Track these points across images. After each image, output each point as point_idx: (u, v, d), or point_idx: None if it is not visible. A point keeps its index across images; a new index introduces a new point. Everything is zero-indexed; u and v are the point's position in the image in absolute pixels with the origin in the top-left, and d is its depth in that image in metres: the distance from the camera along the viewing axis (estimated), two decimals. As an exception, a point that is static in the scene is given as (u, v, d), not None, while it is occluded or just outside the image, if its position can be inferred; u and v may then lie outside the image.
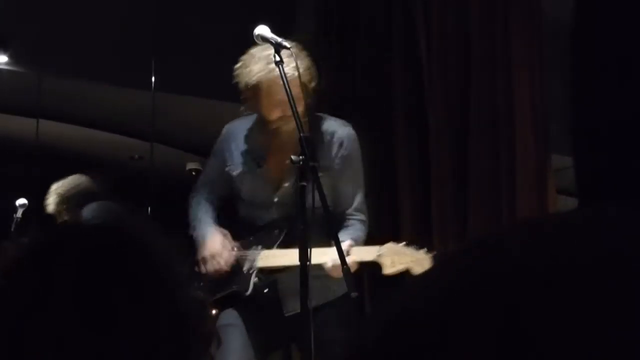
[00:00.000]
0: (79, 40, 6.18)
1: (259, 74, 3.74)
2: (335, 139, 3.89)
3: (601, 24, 0.93)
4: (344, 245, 3.56)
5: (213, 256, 3.89)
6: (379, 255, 3.73)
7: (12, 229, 5.72)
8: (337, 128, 3.92)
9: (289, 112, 3.54)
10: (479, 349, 0.61)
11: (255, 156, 3.98)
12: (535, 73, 5.53)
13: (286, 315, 3.89)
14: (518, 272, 0.64)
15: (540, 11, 5.62)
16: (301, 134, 3.29)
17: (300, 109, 3.56)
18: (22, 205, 5.81)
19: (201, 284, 3.96)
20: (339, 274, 3.52)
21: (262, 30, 3.53)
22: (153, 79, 6.20)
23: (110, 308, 1.16)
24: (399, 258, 3.74)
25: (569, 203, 5.87)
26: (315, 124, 3.83)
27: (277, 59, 3.45)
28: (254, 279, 3.87)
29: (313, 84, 3.80)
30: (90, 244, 1.23)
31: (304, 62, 3.73)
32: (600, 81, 0.91)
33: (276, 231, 3.89)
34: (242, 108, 3.94)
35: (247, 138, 4.00)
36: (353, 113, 5.91)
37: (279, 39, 3.47)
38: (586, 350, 0.60)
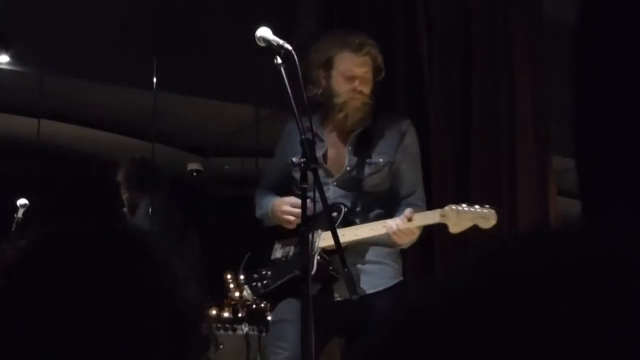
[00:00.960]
0: (81, 40, 6.18)
1: (331, 50, 4.14)
2: (399, 131, 4.21)
3: (603, 26, 0.93)
4: (406, 212, 3.88)
5: (281, 211, 4.06)
6: (442, 217, 3.86)
7: (13, 229, 5.72)
8: (400, 122, 4.26)
9: (361, 96, 4.06)
10: (484, 350, 0.62)
11: (314, 140, 4.04)
12: (536, 74, 5.53)
13: (336, 300, 3.99)
14: (521, 276, 0.64)
15: (541, 12, 5.62)
16: (302, 136, 3.30)
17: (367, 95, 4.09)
18: (23, 205, 5.81)
19: (266, 272, 4.18)
20: (404, 238, 3.88)
21: (264, 32, 3.54)
22: (154, 79, 6.20)
23: (109, 308, 1.17)
24: (464, 215, 3.85)
25: (570, 205, 5.87)
26: (377, 114, 4.18)
27: (279, 61, 3.47)
28: (317, 258, 3.98)
29: (380, 77, 4.23)
30: (89, 244, 1.23)
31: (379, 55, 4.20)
32: (602, 82, 0.91)
33: (334, 213, 4.00)
34: (312, 90, 4.09)
35: (308, 128, 4.07)
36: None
37: (281, 41, 3.49)
38: (588, 350, 0.60)
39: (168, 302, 1.19)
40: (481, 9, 5.66)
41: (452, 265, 0.71)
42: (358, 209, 4.12)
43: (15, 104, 6.84)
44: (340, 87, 4.11)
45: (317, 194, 3.51)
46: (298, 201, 3.89)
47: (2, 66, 6.23)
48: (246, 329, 5.86)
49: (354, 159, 4.14)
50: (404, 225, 3.86)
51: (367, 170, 4.13)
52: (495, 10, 5.64)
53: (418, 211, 4.00)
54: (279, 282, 4.11)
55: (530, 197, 5.42)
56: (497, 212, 3.92)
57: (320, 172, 3.95)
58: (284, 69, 3.46)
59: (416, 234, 3.94)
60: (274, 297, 4.19)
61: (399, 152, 4.18)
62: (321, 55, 4.16)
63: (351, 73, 4.10)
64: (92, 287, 1.17)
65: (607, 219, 0.68)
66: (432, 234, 5.52)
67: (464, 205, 3.90)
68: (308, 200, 3.67)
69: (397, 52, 5.93)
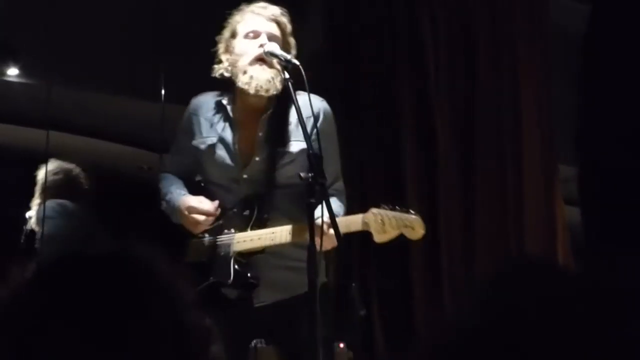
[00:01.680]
0: (88, 52, 6.20)
1: (232, 22, 3.82)
2: (314, 112, 3.72)
3: (611, 36, 0.94)
4: (326, 218, 3.39)
5: (191, 210, 3.70)
6: (365, 224, 3.57)
7: (22, 241, 5.72)
8: (314, 101, 3.71)
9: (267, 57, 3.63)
10: None
11: (222, 128, 3.81)
12: (541, 82, 5.55)
13: (256, 305, 3.70)
14: (528, 322, 0.66)
15: (547, 21, 5.63)
16: (309, 151, 3.28)
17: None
18: (31, 217, 5.81)
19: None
20: (326, 244, 3.40)
21: (272, 47, 3.56)
22: (162, 90, 6.21)
23: (117, 333, 1.17)
24: (390, 223, 3.57)
25: (576, 214, 5.86)
26: (288, 98, 3.65)
27: (287, 75, 3.48)
28: (233, 266, 3.66)
29: (291, 52, 3.78)
30: (97, 265, 1.24)
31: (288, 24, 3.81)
32: (607, 90, 0.92)
33: (247, 211, 3.72)
34: (216, 68, 3.82)
35: (216, 110, 3.85)
36: (359, 123, 5.93)
37: (288, 56, 3.51)
38: None
39: (177, 327, 1.20)
40: (486, 16, 5.67)
41: (462, 300, 0.73)
42: (272, 206, 3.72)
43: (24, 116, 6.86)
44: (243, 49, 3.74)
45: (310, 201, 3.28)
46: (209, 202, 3.68)
47: (11, 79, 6.25)
48: None
49: (266, 149, 3.73)
50: (325, 231, 3.42)
51: (280, 160, 3.73)
52: (501, 18, 5.65)
53: (337, 210, 3.64)
54: (202, 285, 3.69)
55: (537, 206, 5.43)
56: (422, 219, 3.64)
57: (229, 164, 3.75)
58: (292, 83, 3.48)
59: (334, 243, 3.49)
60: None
61: (319, 136, 3.63)
62: (225, 32, 3.84)
63: (254, 31, 3.75)
64: (100, 313, 1.18)
65: (609, 263, 0.70)
66: (438, 221, 5.50)
67: (387, 211, 3.59)
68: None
69: (402, 60, 5.94)
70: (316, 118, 3.72)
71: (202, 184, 3.91)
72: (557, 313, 0.67)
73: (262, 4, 3.84)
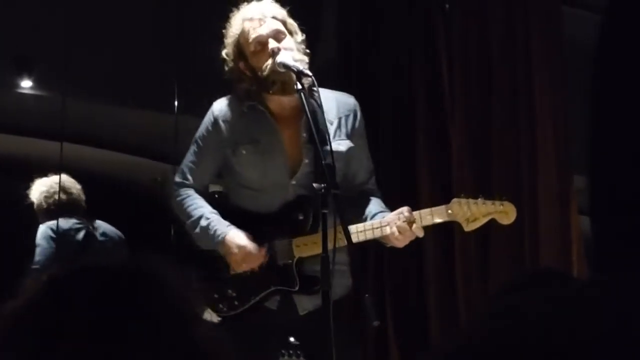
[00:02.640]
0: (102, 64, 6.22)
1: (232, 39, 3.70)
2: (347, 112, 3.73)
3: (623, 50, 0.93)
4: (405, 212, 3.48)
5: (243, 251, 3.60)
6: (450, 214, 3.55)
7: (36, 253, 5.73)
8: (345, 100, 3.75)
9: (279, 47, 3.56)
10: None
11: (261, 132, 3.70)
12: (557, 95, 5.53)
13: (301, 314, 3.65)
14: (541, 348, 0.65)
15: (561, 34, 5.62)
16: (323, 161, 3.27)
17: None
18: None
19: (230, 290, 3.67)
20: (404, 238, 3.45)
21: (284, 57, 3.55)
22: (176, 102, 6.22)
23: (128, 346, 1.17)
24: (478, 210, 3.55)
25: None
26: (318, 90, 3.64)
27: (299, 86, 3.47)
28: (296, 271, 3.61)
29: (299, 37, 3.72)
30: (108, 279, 1.23)
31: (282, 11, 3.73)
32: (620, 103, 0.91)
33: (300, 216, 3.64)
34: (243, 87, 3.72)
35: (250, 113, 3.74)
36: (375, 139, 5.93)
37: (300, 67, 3.49)
38: None
39: (187, 340, 1.20)
40: (502, 33, 5.67)
41: (470, 332, 0.72)
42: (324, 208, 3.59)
43: (39, 128, 6.89)
44: (258, 59, 3.65)
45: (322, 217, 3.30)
46: (254, 243, 3.58)
47: (25, 91, 6.28)
48: None
49: (311, 151, 3.63)
50: (404, 229, 3.47)
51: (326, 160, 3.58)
52: (516, 33, 5.65)
53: (379, 199, 3.67)
54: (253, 301, 3.66)
55: (552, 219, 5.41)
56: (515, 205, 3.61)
57: (279, 169, 3.66)
58: (304, 94, 3.47)
59: (420, 235, 3.56)
60: (243, 317, 3.67)
61: (354, 134, 3.71)
62: (229, 40, 3.74)
63: (260, 40, 3.66)
64: (110, 325, 1.18)
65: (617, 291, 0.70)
66: (452, 233, 5.49)
67: (471, 199, 3.57)
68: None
69: (417, 79, 5.93)
70: (354, 117, 3.74)
71: (217, 196, 3.87)
72: (571, 322, 0.66)
73: (250, 5, 3.74)
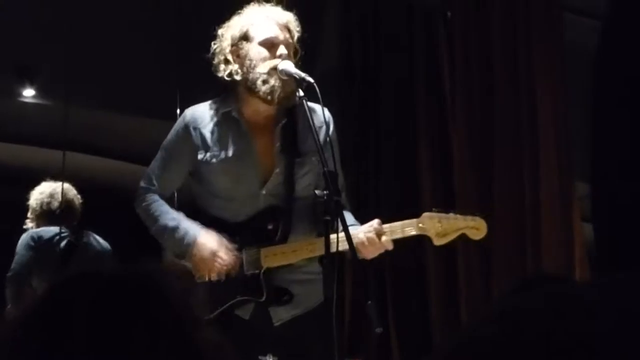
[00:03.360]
0: (105, 73, 6.23)
1: (245, 22, 3.63)
2: (321, 122, 3.62)
3: (623, 55, 0.93)
4: (374, 224, 3.42)
5: (215, 255, 3.53)
6: (420, 227, 3.50)
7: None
8: (320, 112, 3.62)
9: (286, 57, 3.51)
10: None
11: (233, 141, 3.65)
12: (558, 101, 5.53)
13: (276, 325, 3.59)
14: (541, 347, 0.65)
15: (562, 41, 5.62)
16: (324, 169, 3.25)
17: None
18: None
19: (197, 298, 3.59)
20: (374, 250, 3.38)
21: (286, 65, 3.54)
22: (178, 110, 6.23)
23: (129, 353, 1.17)
24: (449, 225, 3.51)
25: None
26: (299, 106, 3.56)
27: (301, 93, 3.46)
28: (264, 281, 3.54)
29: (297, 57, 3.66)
30: (109, 288, 1.23)
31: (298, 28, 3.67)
32: (621, 111, 0.91)
33: (269, 225, 3.58)
34: (226, 68, 3.64)
35: (222, 122, 3.68)
36: (377, 146, 5.93)
37: (302, 74, 3.48)
38: None
39: (189, 346, 1.20)
40: (503, 37, 5.67)
41: (470, 336, 0.72)
42: (293, 219, 3.59)
43: (41, 137, 6.89)
44: (262, 56, 3.57)
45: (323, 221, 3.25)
46: (226, 243, 3.53)
47: (28, 100, 6.28)
48: None
49: (283, 160, 3.60)
50: (373, 240, 3.40)
51: (297, 171, 3.60)
52: (517, 40, 5.65)
53: (354, 220, 3.57)
54: (219, 310, 3.55)
55: (555, 226, 5.40)
56: (485, 220, 3.58)
57: (250, 178, 3.60)
58: (306, 102, 3.46)
59: (389, 247, 3.47)
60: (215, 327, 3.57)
61: (326, 145, 3.53)
62: (234, 32, 3.65)
63: (272, 40, 3.59)
64: (112, 332, 1.17)
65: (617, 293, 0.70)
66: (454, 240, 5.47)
67: (444, 214, 3.53)
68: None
69: (419, 85, 5.94)
70: (327, 128, 3.66)
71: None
72: (570, 323, 0.66)
73: (275, 8, 3.70)
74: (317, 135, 3.41)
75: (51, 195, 5.75)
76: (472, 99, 5.73)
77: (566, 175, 5.49)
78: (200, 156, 3.65)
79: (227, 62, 3.64)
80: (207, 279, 3.53)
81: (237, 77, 3.62)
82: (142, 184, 3.75)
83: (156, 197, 3.69)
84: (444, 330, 5.46)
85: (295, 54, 3.66)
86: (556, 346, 0.65)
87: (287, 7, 3.75)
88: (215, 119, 3.69)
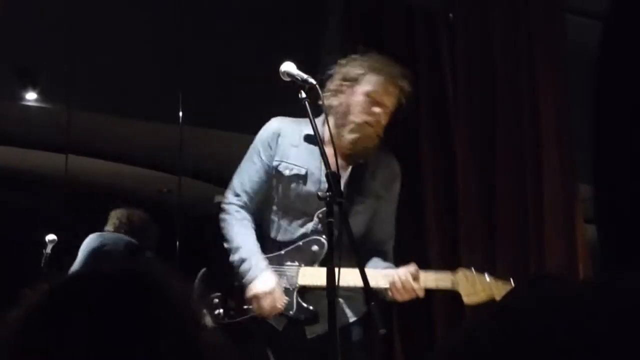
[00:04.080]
0: (107, 76, 6.23)
1: (363, 68, 3.76)
2: (393, 173, 3.85)
3: (624, 58, 0.93)
4: (411, 268, 3.52)
5: (268, 295, 3.63)
6: (454, 283, 3.57)
7: (42, 265, 5.74)
8: (394, 163, 3.87)
9: (376, 126, 3.67)
10: None
11: (312, 161, 3.74)
12: (560, 104, 5.52)
13: (309, 337, 3.69)
14: (540, 343, 0.65)
15: (565, 42, 5.62)
16: (327, 170, 3.26)
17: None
18: (51, 241, 5.82)
19: (229, 300, 3.71)
20: (405, 293, 3.48)
21: (288, 67, 3.53)
22: (180, 113, 6.23)
23: (130, 353, 1.16)
24: (482, 286, 3.57)
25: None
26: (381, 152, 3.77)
27: (303, 95, 3.46)
28: (296, 297, 3.66)
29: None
30: (111, 288, 1.23)
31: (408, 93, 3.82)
32: (621, 114, 0.91)
33: (315, 247, 3.69)
34: (325, 100, 3.67)
35: (304, 140, 3.78)
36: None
37: (305, 76, 3.47)
38: None
39: (190, 347, 1.19)
40: (505, 38, 5.67)
41: (474, 333, 0.72)
42: (339, 248, 3.54)
43: (43, 140, 6.90)
44: (361, 107, 3.73)
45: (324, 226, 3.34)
46: (281, 289, 3.62)
47: (30, 103, 6.29)
48: None
49: (345, 192, 3.55)
50: (408, 283, 3.51)
51: (355, 208, 3.72)
52: (519, 42, 5.65)
53: (388, 261, 3.71)
54: (248, 315, 3.68)
55: (557, 228, 5.39)
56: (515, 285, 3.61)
57: (307, 200, 3.69)
58: (308, 103, 3.46)
59: (421, 295, 3.57)
60: (237, 328, 3.71)
61: (388, 194, 3.80)
62: (350, 69, 3.80)
63: (378, 98, 3.74)
64: (112, 332, 1.17)
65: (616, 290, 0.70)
66: (457, 239, 5.50)
67: (478, 274, 3.60)
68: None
69: (421, 85, 5.93)
70: (395, 179, 3.87)
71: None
72: (570, 321, 0.66)
73: (398, 69, 3.84)
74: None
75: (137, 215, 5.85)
76: (474, 100, 5.72)
77: (569, 177, 5.48)
78: (275, 163, 3.76)
79: (336, 93, 3.77)
80: (260, 314, 3.65)
81: (330, 113, 3.72)
82: (229, 196, 3.85)
83: (243, 213, 3.80)
84: (447, 331, 5.45)
85: (397, 110, 3.83)
86: (557, 345, 0.65)
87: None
88: (299, 136, 3.79)
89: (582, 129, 5.18)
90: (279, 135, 3.81)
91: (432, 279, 3.57)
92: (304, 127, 3.74)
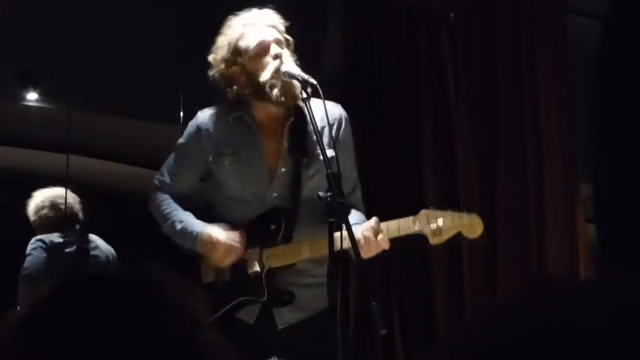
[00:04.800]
0: (108, 77, 6.24)
1: (230, 38, 3.63)
2: (331, 121, 3.64)
3: (623, 60, 0.93)
4: (371, 222, 3.41)
5: (224, 246, 3.56)
6: (417, 225, 3.47)
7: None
8: (330, 109, 3.63)
9: (281, 54, 3.53)
10: None
11: (243, 143, 3.67)
12: (562, 104, 5.52)
13: (280, 328, 3.60)
14: (540, 342, 0.65)
15: (567, 43, 5.62)
16: (328, 170, 3.25)
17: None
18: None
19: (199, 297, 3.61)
20: (370, 249, 3.36)
21: (289, 67, 3.54)
22: (182, 113, 6.23)
23: (129, 350, 1.16)
24: (445, 223, 3.47)
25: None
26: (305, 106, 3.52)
27: (304, 95, 3.45)
28: (265, 282, 3.55)
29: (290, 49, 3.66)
30: (107, 285, 1.23)
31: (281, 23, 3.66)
32: (621, 116, 0.91)
33: (272, 226, 3.60)
34: (231, 90, 3.65)
35: (234, 124, 3.71)
36: (381, 146, 5.93)
37: (305, 76, 3.47)
38: None
39: (190, 348, 1.19)
40: (506, 39, 5.67)
41: (476, 329, 0.72)
42: (299, 220, 3.60)
43: (44, 141, 6.90)
44: (257, 63, 3.59)
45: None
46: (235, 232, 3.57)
47: (31, 103, 6.29)
48: None
49: (289, 160, 3.62)
50: (370, 239, 3.37)
51: (305, 172, 3.60)
52: (521, 43, 5.65)
53: (363, 219, 3.57)
54: (222, 311, 3.57)
55: (559, 227, 5.39)
56: (480, 217, 3.54)
57: (256, 179, 3.63)
58: (309, 103, 3.46)
59: (386, 247, 3.45)
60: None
61: (338, 144, 3.57)
62: (222, 52, 3.67)
63: (263, 43, 3.59)
64: (112, 333, 1.17)
65: (618, 289, 0.70)
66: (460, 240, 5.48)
67: (440, 211, 3.50)
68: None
69: (423, 86, 5.93)
70: (338, 126, 3.68)
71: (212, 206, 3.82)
72: (571, 320, 0.66)
73: (252, 12, 3.69)
74: (321, 136, 3.41)
75: (48, 205, 5.72)
76: (476, 101, 5.73)
77: (570, 177, 5.48)
78: (211, 157, 3.68)
79: (230, 83, 3.67)
80: (222, 264, 3.59)
81: (247, 92, 3.64)
82: (155, 182, 3.81)
83: (167, 196, 3.74)
84: (448, 330, 5.45)
85: (288, 45, 3.67)
86: (557, 345, 0.65)
87: (281, 10, 3.75)
88: (226, 122, 3.72)
89: (584, 129, 5.18)
90: (204, 129, 3.74)
91: (394, 228, 3.46)
92: (231, 111, 3.71)
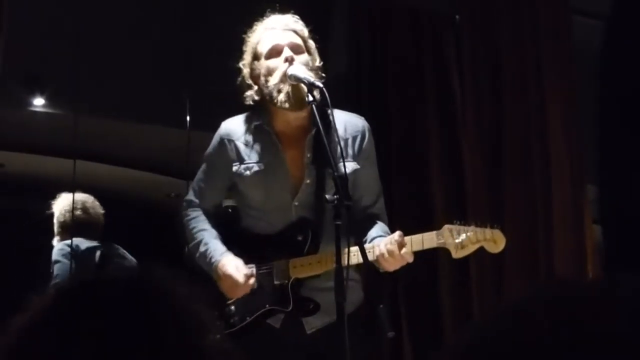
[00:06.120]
0: (114, 81, 6.24)
1: (260, 34, 3.68)
2: (354, 133, 3.69)
3: (627, 61, 0.93)
4: (395, 236, 3.45)
5: (231, 283, 3.60)
6: (440, 240, 3.52)
7: (51, 270, 5.73)
8: (354, 121, 3.72)
9: (294, 57, 3.55)
10: None
11: (265, 153, 3.69)
12: (568, 106, 5.52)
13: (308, 332, 3.63)
14: (546, 344, 0.65)
15: (571, 42, 5.62)
16: (335, 173, 3.26)
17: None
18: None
19: (228, 309, 3.65)
20: (394, 262, 3.42)
21: (295, 69, 3.54)
22: (188, 118, 6.24)
23: (133, 354, 1.16)
24: (468, 237, 3.52)
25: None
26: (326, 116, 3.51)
27: (310, 98, 3.45)
28: (291, 292, 3.59)
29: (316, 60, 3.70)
30: (115, 294, 1.23)
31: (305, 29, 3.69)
32: (626, 117, 0.91)
33: (299, 237, 3.62)
34: (247, 95, 3.69)
35: (255, 134, 3.72)
36: (387, 152, 5.93)
37: (312, 79, 3.48)
38: None
39: (195, 352, 1.19)
40: (511, 41, 5.66)
41: (483, 331, 0.72)
42: (324, 230, 3.61)
43: (51, 146, 6.91)
44: (271, 65, 3.63)
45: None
46: (243, 265, 3.59)
47: (38, 109, 6.29)
48: None
49: (314, 171, 3.63)
50: (395, 252, 3.43)
51: (328, 181, 3.60)
52: (526, 44, 5.65)
53: (384, 223, 3.66)
54: (248, 320, 3.65)
55: (566, 229, 5.39)
56: (503, 232, 3.59)
57: (281, 191, 3.64)
58: (315, 106, 3.46)
59: (410, 260, 3.51)
60: (240, 336, 3.64)
61: (360, 156, 3.66)
62: (246, 57, 3.73)
63: (277, 47, 3.64)
64: (118, 337, 1.17)
65: (622, 293, 0.70)
66: (469, 264, 5.50)
67: (463, 227, 3.55)
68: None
69: (428, 88, 5.93)
70: (362, 138, 3.71)
71: (230, 210, 3.85)
72: (576, 321, 0.66)
73: (273, 17, 3.73)
74: (330, 143, 3.41)
75: (80, 207, 5.74)
76: (482, 103, 5.73)
77: (577, 179, 5.48)
78: (234, 168, 3.71)
79: (249, 88, 3.71)
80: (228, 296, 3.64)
81: (257, 98, 3.68)
82: (187, 197, 3.86)
83: (198, 212, 3.79)
84: (456, 331, 5.45)
85: (308, 49, 3.70)
86: (564, 346, 0.65)
87: (292, 12, 3.76)
88: (248, 132, 3.74)
89: (590, 131, 5.18)
90: (228, 139, 3.77)
91: (418, 242, 3.51)
92: (252, 121, 3.73)
